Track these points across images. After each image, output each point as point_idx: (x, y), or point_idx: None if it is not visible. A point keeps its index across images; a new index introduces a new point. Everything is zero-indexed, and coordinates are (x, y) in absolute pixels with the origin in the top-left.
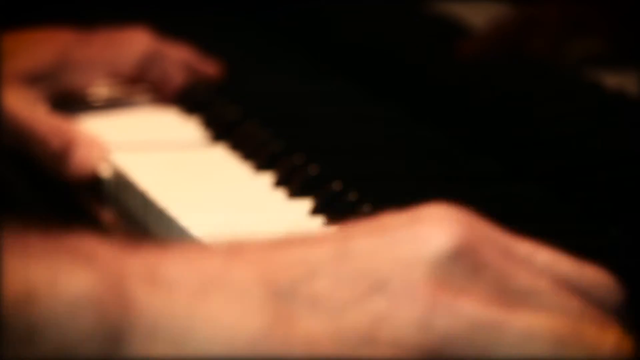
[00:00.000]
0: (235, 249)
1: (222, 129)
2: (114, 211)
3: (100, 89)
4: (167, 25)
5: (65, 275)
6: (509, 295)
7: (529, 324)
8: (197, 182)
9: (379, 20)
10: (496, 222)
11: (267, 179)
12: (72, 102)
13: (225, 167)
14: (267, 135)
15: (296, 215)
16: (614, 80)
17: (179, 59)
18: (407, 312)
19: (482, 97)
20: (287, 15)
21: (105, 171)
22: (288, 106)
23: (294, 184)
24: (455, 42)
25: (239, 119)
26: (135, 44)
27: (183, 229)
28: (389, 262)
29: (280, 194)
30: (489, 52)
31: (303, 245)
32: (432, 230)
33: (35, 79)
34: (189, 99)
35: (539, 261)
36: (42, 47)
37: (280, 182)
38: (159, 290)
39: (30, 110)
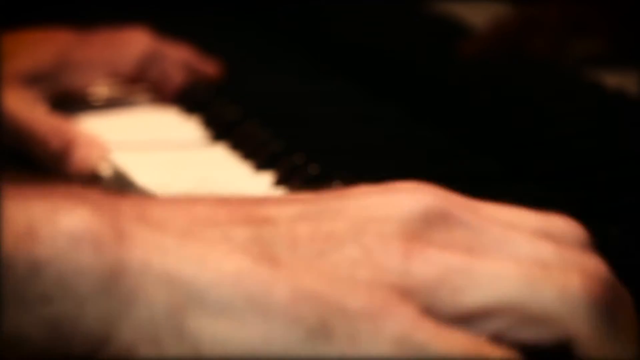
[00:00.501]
0: (221, 199)
1: (222, 129)
2: None
3: (100, 89)
4: (167, 25)
5: (64, 212)
6: (481, 246)
7: (500, 266)
8: (197, 181)
9: (379, 20)
10: None
11: (267, 178)
12: (72, 102)
13: (225, 166)
14: (267, 135)
15: None
16: (614, 80)
17: (179, 58)
18: (382, 259)
19: (482, 97)
20: (287, 15)
21: (105, 171)
22: (288, 106)
23: (294, 183)
24: (455, 42)
25: (239, 119)
26: (134, 44)
27: None
28: (362, 219)
29: (280, 194)
30: (489, 52)
31: (282, 201)
32: (403, 196)
33: (35, 79)
34: (188, 98)
35: (507, 218)
36: (42, 47)
37: (280, 182)
38: (149, 228)
39: (30, 110)
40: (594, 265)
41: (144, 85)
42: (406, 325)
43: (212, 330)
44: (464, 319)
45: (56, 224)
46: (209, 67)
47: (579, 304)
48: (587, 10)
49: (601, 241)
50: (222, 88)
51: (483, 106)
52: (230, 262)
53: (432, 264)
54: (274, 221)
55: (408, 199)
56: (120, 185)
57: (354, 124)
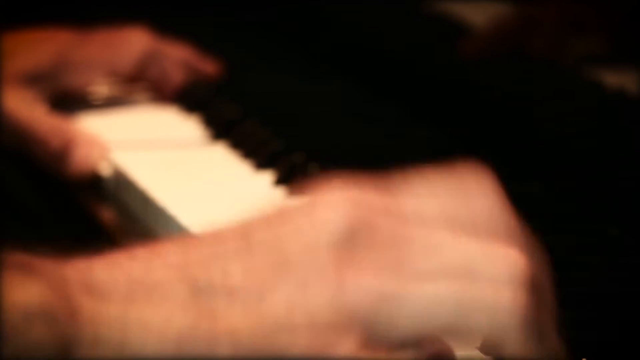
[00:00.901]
0: (155, 252)
1: (222, 128)
2: (114, 210)
3: (100, 88)
4: (167, 25)
5: (18, 287)
6: (410, 260)
7: (429, 291)
8: (196, 180)
9: (379, 20)
10: None
11: (267, 177)
12: (71, 102)
13: (225, 165)
14: (267, 134)
15: None
16: (614, 80)
17: (178, 57)
18: (317, 294)
19: (482, 97)
20: (287, 15)
21: (105, 170)
22: (288, 105)
23: (293, 182)
24: (455, 41)
25: (238, 118)
26: (134, 43)
27: (182, 227)
28: (292, 250)
29: (280, 193)
30: (489, 52)
31: (213, 242)
32: (326, 213)
33: (34, 79)
34: (188, 97)
35: (430, 212)
36: (41, 47)
37: (280, 181)
38: (94, 297)
39: (30, 110)
40: (517, 262)
41: (143, 85)
42: None
43: None
44: (403, 344)
45: (10, 301)
46: (208, 66)
47: (509, 324)
48: (586, 10)
49: (601, 241)
50: (222, 87)
51: (483, 106)
52: (171, 325)
53: (365, 294)
54: (208, 274)
55: (332, 215)
56: (120, 184)
57: (354, 124)
